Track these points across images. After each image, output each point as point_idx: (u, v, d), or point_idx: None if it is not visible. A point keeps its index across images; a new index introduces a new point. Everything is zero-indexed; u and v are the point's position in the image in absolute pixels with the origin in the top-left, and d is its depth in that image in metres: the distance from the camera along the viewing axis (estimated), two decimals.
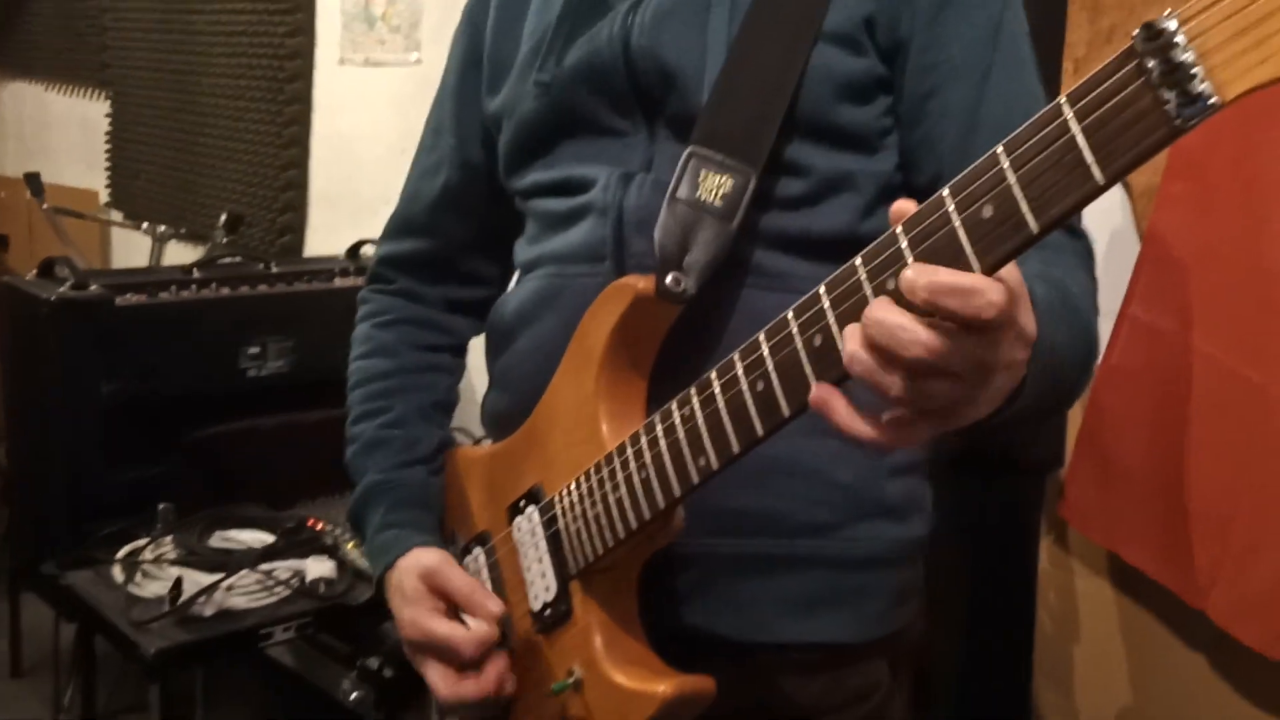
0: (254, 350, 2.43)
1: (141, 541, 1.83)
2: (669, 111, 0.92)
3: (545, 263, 0.98)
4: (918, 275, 0.60)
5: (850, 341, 0.63)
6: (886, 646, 0.96)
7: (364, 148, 2.93)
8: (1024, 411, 0.72)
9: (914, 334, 0.60)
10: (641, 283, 0.86)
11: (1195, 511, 1.51)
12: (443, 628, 0.92)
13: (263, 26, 3.12)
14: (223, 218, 2.94)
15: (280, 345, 2.48)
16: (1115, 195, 1.67)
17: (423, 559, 0.96)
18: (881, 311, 0.61)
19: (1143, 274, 1.58)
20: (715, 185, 0.86)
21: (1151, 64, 0.54)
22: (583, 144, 0.97)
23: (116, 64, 3.80)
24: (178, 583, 1.67)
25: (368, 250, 2.61)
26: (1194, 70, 0.53)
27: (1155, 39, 0.54)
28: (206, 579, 1.69)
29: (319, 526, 1.95)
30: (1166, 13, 0.55)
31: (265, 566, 1.75)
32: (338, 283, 2.58)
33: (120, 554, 1.79)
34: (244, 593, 1.71)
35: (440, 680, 0.92)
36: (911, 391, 0.62)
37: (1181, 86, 0.54)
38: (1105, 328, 1.64)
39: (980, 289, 0.59)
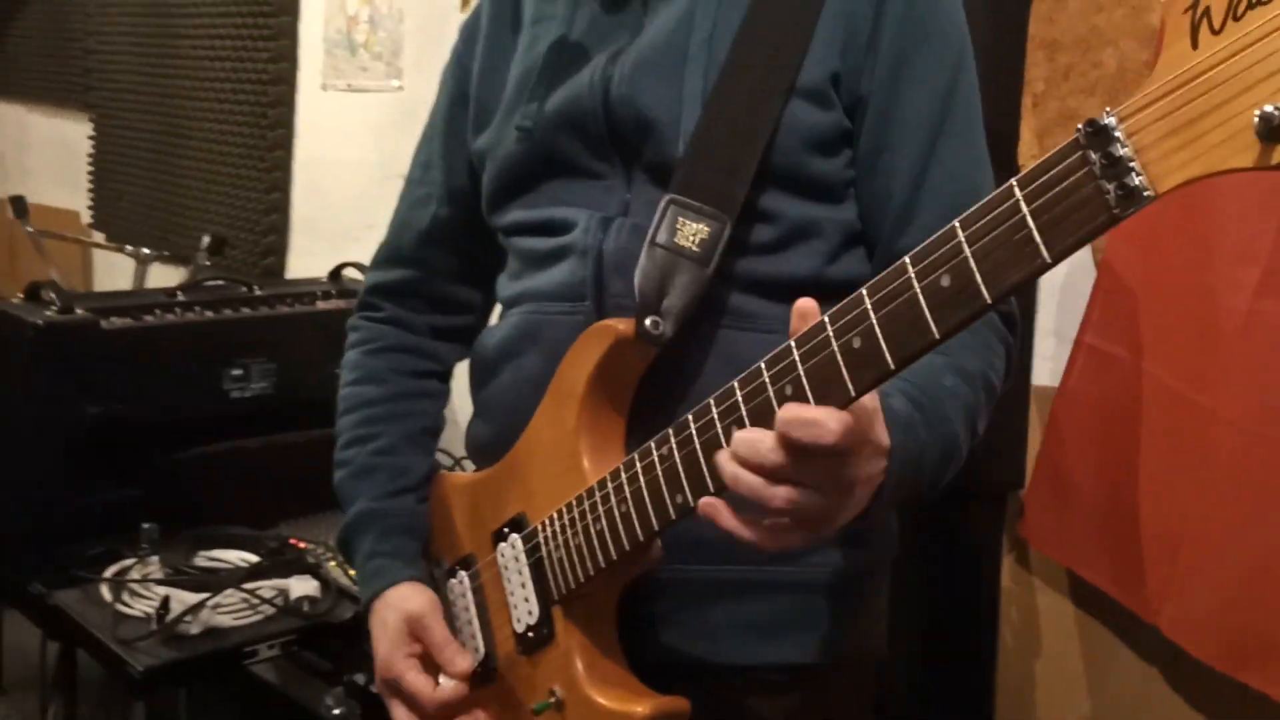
0: (237, 372, 2.46)
1: (129, 561, 1.86)
2: (645, 158, 0.97)
3: (527, 300, 1.03)
4: (781, 412, 0.71)
5: (728, 465, 0.74)
6: (850, 666, 1.01)
7: (346, 172, 2.98)
8: (886, 509, 0.82)
9: (772, 447, 0.71)
10: (622, 325, 0.91)
11: (1146, 531, 1.58)
12: (413, 679, 0.98)
13: (246, 51, 3.17)
14: (206, 240, 2.97)
15: (263, 367, 2.51)
16: None
17: (409, 602, 1.01)
18: (747, 433, 0.73)
19: (1097, 304, 1.66)
20: (693, 232, 0.91)
21: (1094, 156, 0.60)
22: (563, 185, 1.02)
23: (100, 85, 3.82)
24: (165, 601, 1.70)
25: (350, 273, 2.65)
26: (1131, 164, 0.59)
27: (1098, 134, 0.60)
28: (192, 598, 1.72)
29: (302, 546, 1.99)
30: (1107, 110, 0.61)
31: (250, 585, 1.79)
32: (320, 305, 2.62)
33: (107, 573, 1.83)
34: (229, 611, 1.75)
35: (402, 717, 0.98)
36: (789, 504, 0.72)
37: (1120, 179, 0.59)
38: (1065, 354, 1.71)
39: (820, 420, 0.69)
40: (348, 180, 2.97)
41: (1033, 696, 1.80)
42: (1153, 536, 1.57)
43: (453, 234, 1.15)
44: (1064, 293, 1.75)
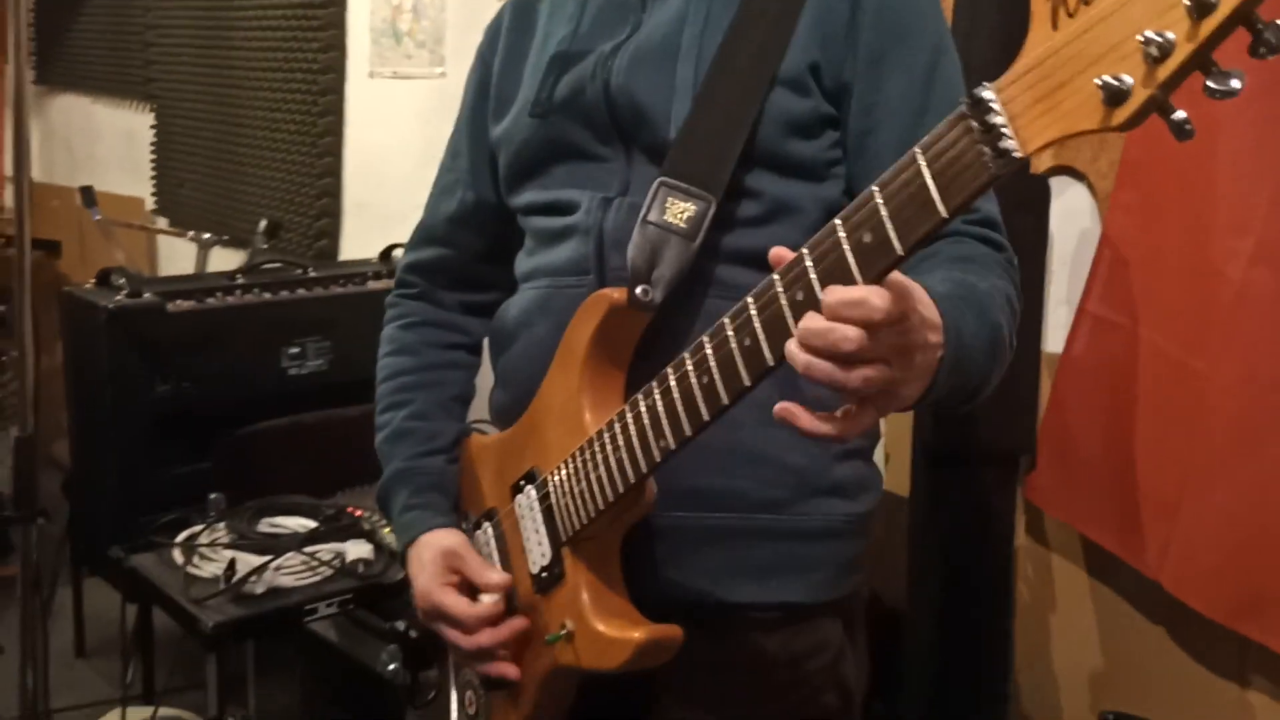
0: (294, 351, 2.61)
1: (198, 528, 2.01)
2: (642, 142, 1.08)
3: (539, 275, 1.14)
4: (825, 297, 0.76)
5: (800, 354, 0.78)
6: (837, 609, 1.11)
7: (394, 156, 3.10)
8: (948, 394, 0.86)
9: (843, 331, 0.75)
10: (616, 294, 1.01)
11: (1147, 491, 1.65)
12: (453, 600, 1.09)
13: (297, 42, 3.29)
14: (263, 224, 3.12)
15: (318, 345, 2.66)
16: (1084, 200, 1.80)
17: (443, 539, 1.12)
18: (813, 322, 0.77)
19: (1098, 273, 1.72)
20: (681, 210, 1.01)
21: (974, 125, 0.69)
22: (570, 168, 1.12)
23: (160, 78, 3.96)
24: (231, 564, 1.85)
25: (399, 254, 2.78)
26: (1004, 130, 0.68)
27: (978, 105, 0.70)
28: (257, 560, 1.86)
29: (357, 513, 2.12)
30: (984, 84, 0.70)
31: (309, 549, 1.93)
32: (371, 285, 2.75)
33: (179, 539, 1.98)
34: (290, 573, 1.89)
35: (455, 637, 1.09)
36: (859, 381, 0.77)
37: (994, 143, 0.69)
38: (1069, 319, 1.79)
39: (864, 298, 0.75)
40: (396, 164, 3.08)
41: (1048, 650, 1.88)
42: (1153, 497, 1.64)
43: (478, 217, 1.25)
44: (1075, 263, 1.82)
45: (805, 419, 0.81)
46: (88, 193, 3.27)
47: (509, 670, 1.09)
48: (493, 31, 1.26)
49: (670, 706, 1.09)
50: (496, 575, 1.09)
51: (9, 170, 4.68)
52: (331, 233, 3.27)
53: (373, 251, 2.92)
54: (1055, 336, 1.82)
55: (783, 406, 0.82)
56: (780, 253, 0.81)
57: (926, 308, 0.81)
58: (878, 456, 2.04)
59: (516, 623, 1.07)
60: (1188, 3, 0.60)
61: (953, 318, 0.83)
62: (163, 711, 2.56)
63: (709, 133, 1.03)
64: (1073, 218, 1.81)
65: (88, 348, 2.48)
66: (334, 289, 2.72)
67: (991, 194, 1.05)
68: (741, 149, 1.03)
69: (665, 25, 1.08)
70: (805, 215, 1.06)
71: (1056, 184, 1.80)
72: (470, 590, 1.10)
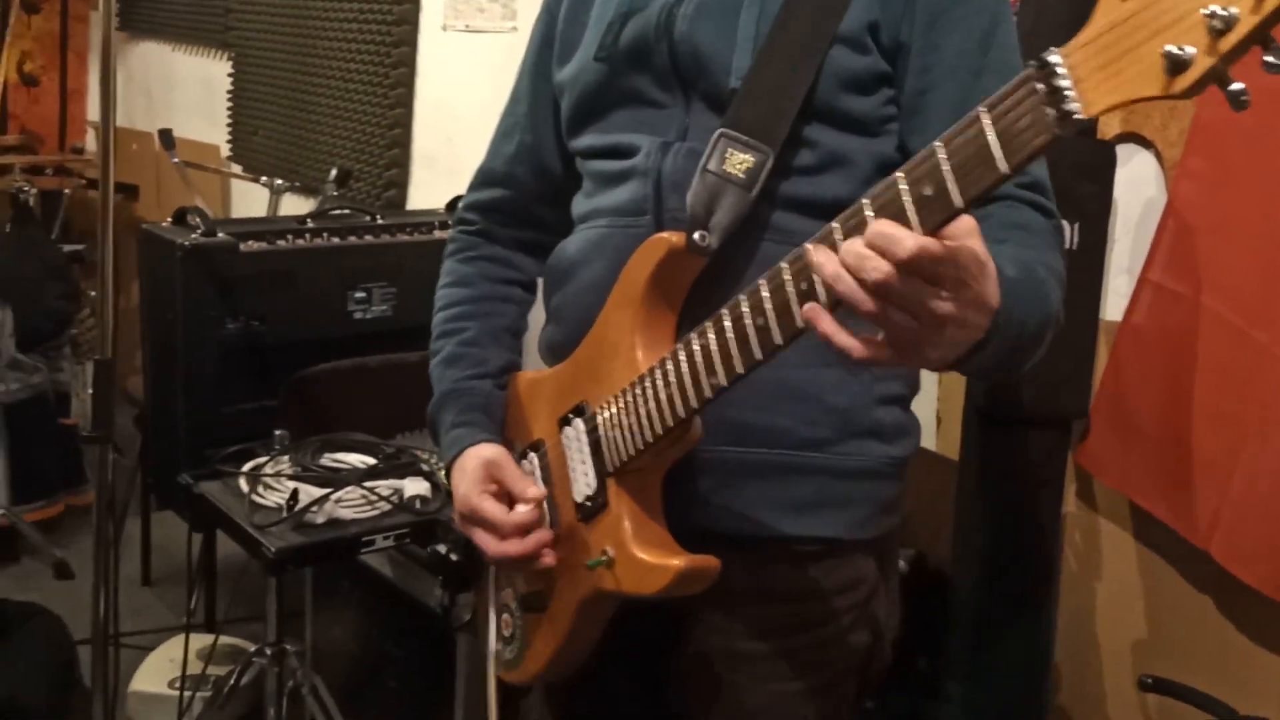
0: (360, 295, 2.67)
1: (263, 459, 2.08)
2: (701, 90, 1.10)
3: (597, 216, 1.17)
4: (872, 225, 0.79)
5: (829, 264, 0.81)
6: (872, 547, 1.14)
7: (463, 109, 3.14)
8: (985, 367, 0.89)
9: (875, 261, 0.78)
10: (674, 237, 1.04)
11: (1200, 461, 1.65)
12: (490, 506, 1.12)
13: None
14: (333, 172, 3.18)
15: (384, 291, 2.72)
16: (1150, 167, 1.79)
17: (485, 451, 1.16)
18: (853, 244, 0.80)
19: (1162, 242, 1.72)
20: (740, 161, 1.04)
21: (1040, 86, 0.72)
22: (631, 113, 1.15)
23: (238, 26, 4.03)
24: (294, 494, 1.91)
25: None
26: (1068, 92, 0.71)
27: (1044, 67, 0.72)
28: (318, 492, 1.92)
29: (416, 453, 2.18)
30: (1051, 49, 0.72)
31: (368, 484, 1.99)
32: (437, 234, 2.80)
33: (245, 469, 2.05)
34: (349, 505, 1.94)
35: (486, 542, 1.13)
36: (880, 311, 0.79)
37: (1059, 105, 0.71)
38: (1130, 288, 1.78)
39: (897, 237, 0.77)
40: (465, 117, 3.12)
41: (1093, 616, 1.89)
42: (1207, 468, 1.64)
43: (536, 160, 1.29)
44: (1139, 231, 1.81)
45: (827, 321, 0.83)
46: (166, 136, 3.36)
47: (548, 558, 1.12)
48: None
49: (706, 634, 1.13)
50: (534, 488, 1.12)
51: (93, 115, 4.80)
52: (400, 182, 3.33)
53: (440, 202, 2.97)
54: (1115, 304, 1.82)
55: (811, 306, 0.84)
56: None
57: (989, 287, 0.82)
58: (929, 417, 2.07)
59: (544, 535, 1.11)
60: None
61: (1008, 305, 0.85)
62: (223, 639, 2.66)
63: (769, 86, 1.06)
64: (1138, 186, 1.80)
65: (164, 283, 2.56)
66: (400, 237, 2.78)
67: (1043, 160, 1.06)
68: (800, 102, 1.05)
69: None
70: (858, 168, 1.08)
71: (1122, 152, 1.79)
72: (508, 502, 1.14)
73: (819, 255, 0.83)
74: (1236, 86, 0.66)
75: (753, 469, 1.09)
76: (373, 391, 2.55)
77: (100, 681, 2.10)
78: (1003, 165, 0.74)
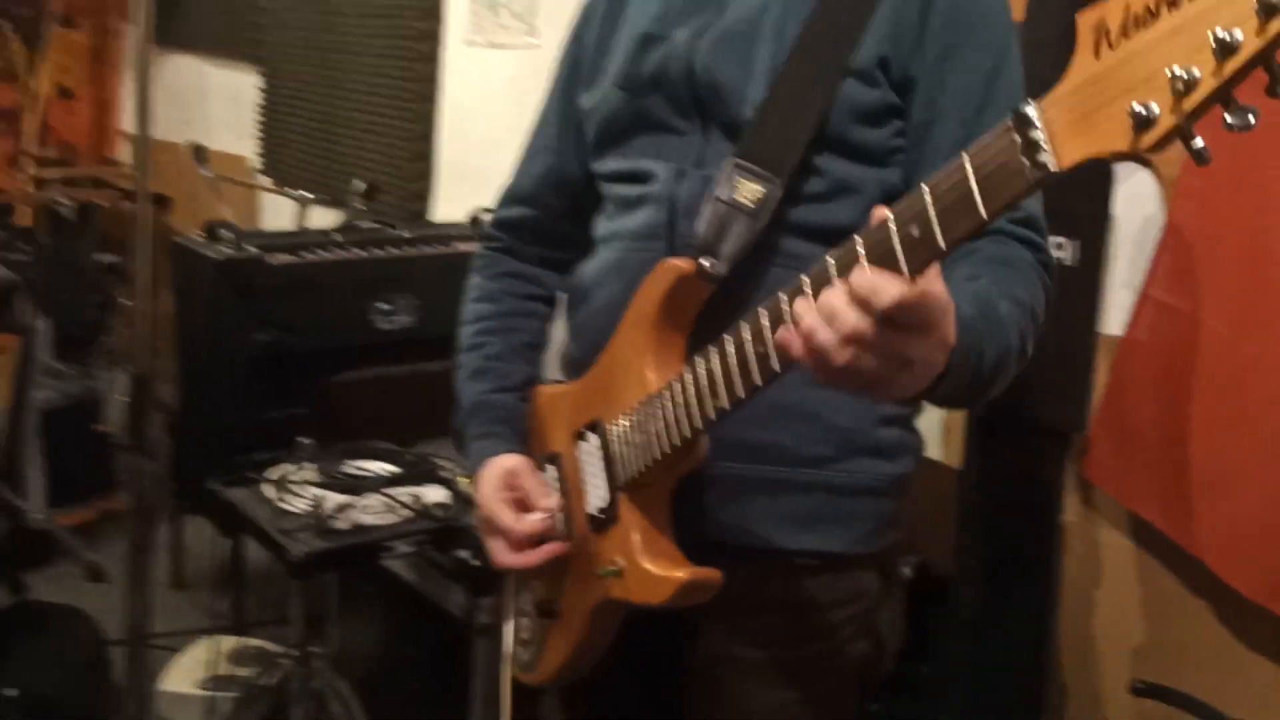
0: (385, 306, 2.74)
1: (289, 466, 2.15)
2: (719, 119, 1.16)
3: (615, 238, 1.23)
4: (851, 277, 0.84)
5: (808, 316, 0.86)
6: (874, 561, 1.19)
7: (486, 123, 3.19)
8: (945, 398, 0.95)
9: (850, 314, 0.83)
10: (684, 263, 1.10)
11: (1196, 472, 1.69)
12: (504, 514, 1.19)
13: (398, 10, 3.39)
14: (360, 185, 3.25)
15: (408, 302, 2.77)
16: (1149, 186, 1.83)
17: (507, 461, 1.23)
18: (830, 296, 0.85)
19: (1161, 259, 1.76)
20: (750, 191, 1.10)
21: (1017, 138, 0.76)
22: (651, 140, 1.21)
23: (268, 41, 4.09)
24: (318, 500, 1.99)
25: (487, 218, 2.88)
26: (1043, 144, 0.75)
27: (1022, 120, 0.76)
28: (342, 499, 2.00)
29: (437, 461, 2.24)
30: (1028, 100, 0.77)
31: (390, 491, 2.06)
32: (460, 246, 2.85)
33: (271, 475, 2.12)
34: (372, 512, 2.01)
35: (496, 550, 1.20)
36: (853, 359, 0.84)
37: (1034, 156, 0.75)
38: (1130, 303, 1.82)
39: (880, 287, 0.81)
40: (488, 131, 3.18)
41: (1093, 623, 1.93)
42: (1201, 477, 1.68)
43: (561, 181, 1.35)
44: (1138, 248, 1.85)
45: (797, 345, 0.87)
46: (200, 150, 3.44)
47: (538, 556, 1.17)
48: (589, 8, 1.35)
49: (712, 642, 1.18)
50: (549, 498, 1.18)
51: (127, 126, 4.90)
52: (424, 195, 3.39)
53: (463, 214, 3.03)
54: (1116, 319, 1.86)
55: (782, 336, 0.89)
56: (882, 211, 0.86)
57: (950, 329, 0.87)
58: (935, 427, 2.11)
59: (554, 547, 1.17)
60: (1214, 45, 0.66)
61: (964, 342, 0.90)
62: (250, 642, 2.73)
63: (782, 117, 1.11)
64: (1138, 203, 1.84)
65: (195, 295, 2.64)
66: (424, 249, 2.84)
67: (1039, 194, 1.11)
68: (811, 133, 1.10)
69: (748, 11, 1.16)
70: (866, 195, 1.12)
71: (1123, 169, 1.83)
72: (526, 511, 1.20)
73: (798, 306, 0.87)
74: (1198, 143, 0.70)
75: (757, 485, 1.14)
76: (396, 400, 2.61)
77: (133, 679, 2.18)
78: (982, 211, 0.79)
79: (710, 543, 1.13)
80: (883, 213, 0.85)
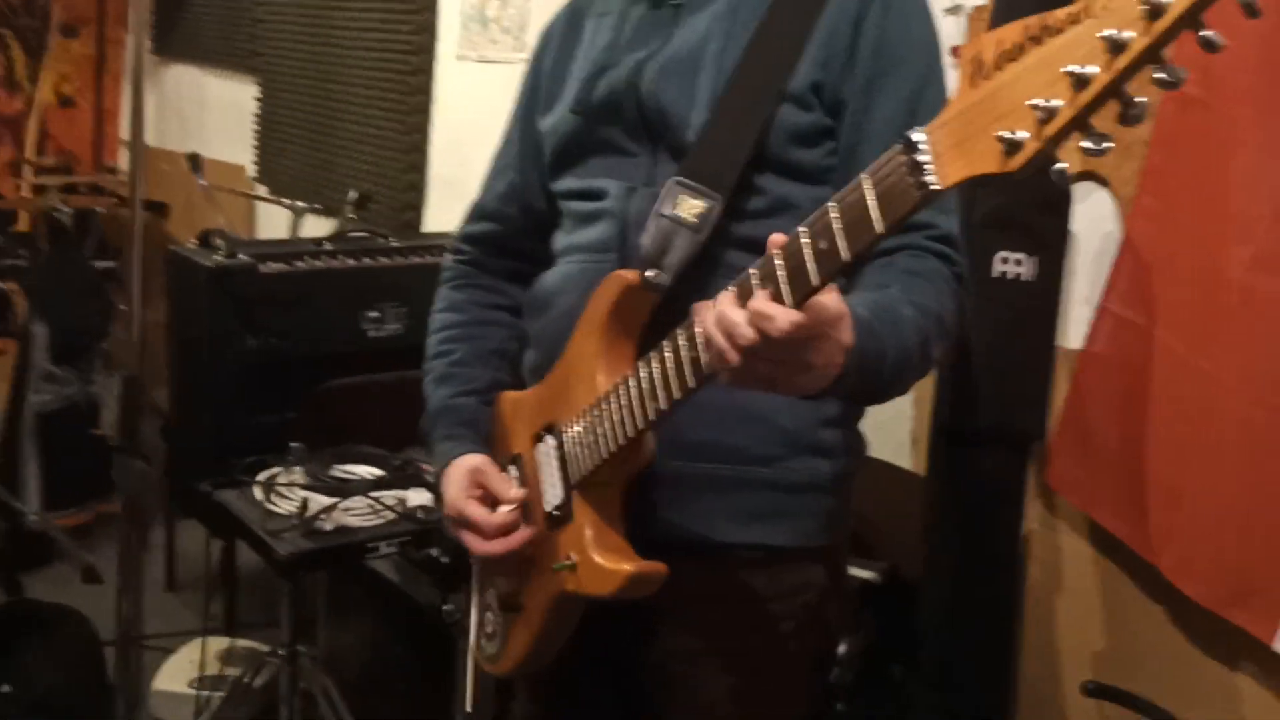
0: (374, 314, 2.81)
1: (277, 469, 2.21)
2: (666, 141, 1.23)
3: (572, 252, 1.30)
4: (750, 303, 0.92)
5: (708, 324, 0.95)
6: (819, 555, 1.25)
7: (477, 136, 3.22)
8: (854, 392, 1.03)
9: (745, 333, 0.92)
10: (630, 275, 1.17)
11: (1152, 481, 1.75)
12: (474, 508, 1.25)
13: (391, 24, 3.47)
14: (352, 195, 3.32)
15: (397, 310, 2.84)
16: (1109, 205, 1.90)
17: (471, 460, 1.29)
18: (733, 315, 0.93)
19: (1119, 274, 1.82)
20: (691, 207, 1.16)
21: (905, 160, 0.84)
22: (604, 160, 1.28)
23: (266, 52, 4.16)
24: (304, 502, 2.04)
25: None
26: (927, 166, 0.82)
27: (910, 145, 0.84)
28: (327, 501, 2.06)
29: (421, 466, 2.30)
30: (916, 128, 0.84)
31: (375, 494, 2.12)
32: (448, 257, 2.92)
33: (260, 478, 2.18)
34: (357, 514, 2.07)
35: (472, 541, 1.26)
36: (744, 366, 0.93)
37: (919, 176, 0.83)
38: (1090, 317, 1.88)
39: (772, 315, 0.90)
40: (479, 144, 3.20)
41: (1055, 626, 1.99)
42: (1160, 488, 1.74)
43: (524, 197, 1.41)
44: (1098, 264, 1.92)
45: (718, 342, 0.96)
46: (194, 159, 3.50)
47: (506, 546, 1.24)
48: (546, 36, 1.42)
49: (667, 634, 1.24)
50: (514, 490, 1.25)
51: (125, 135, 4.97)
52: (416, 206, 3.45)
53: (453, 225, 3.05)
54: (1077, 332, 1.92)
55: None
56: (777, 238, 0.95)
57: (845, 332, 0.96)
58: (904, 437, 2.18)
59: (524, 534, 1.23)
60: (1070, 79, 0.73)
61: (862, 342, 0.98)
62: (240, 643, 2.79)
63: (722, 139, 1.18)
64: (1097, 221, 1.90)
65: (189, 302, 2.70)
66: (413, 259, 2.90)
67: (954, 212, 1.20)
68: (750, 154, 1.17)
69: (691, 41, 1.23)
70: (803, 211, 1.16)
71: (1083, 188, 1.90)
72: (492, 505, 1.26)
73: (701, 314, 0.96)
74: (1060, 166, 0.76)
75: (707, 483, 1.20)
76: (385, 406, 2.66)
77: (123, 679, 2.23)
78: (879, 226, 0.86)
79: (662, 539, 1.19)
80: (797, 228, 0.93)
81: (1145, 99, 0.75)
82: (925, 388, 1.99)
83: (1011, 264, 1.84)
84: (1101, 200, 1.90)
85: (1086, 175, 1.90)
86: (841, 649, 2.00)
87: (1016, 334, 1.85)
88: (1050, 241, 1.85)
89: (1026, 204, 1.83)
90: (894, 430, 2.21)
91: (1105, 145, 0.74)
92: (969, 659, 1.92)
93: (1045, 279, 1.84)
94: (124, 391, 1.94)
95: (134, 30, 2.01)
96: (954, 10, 2.07)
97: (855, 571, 2.06)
